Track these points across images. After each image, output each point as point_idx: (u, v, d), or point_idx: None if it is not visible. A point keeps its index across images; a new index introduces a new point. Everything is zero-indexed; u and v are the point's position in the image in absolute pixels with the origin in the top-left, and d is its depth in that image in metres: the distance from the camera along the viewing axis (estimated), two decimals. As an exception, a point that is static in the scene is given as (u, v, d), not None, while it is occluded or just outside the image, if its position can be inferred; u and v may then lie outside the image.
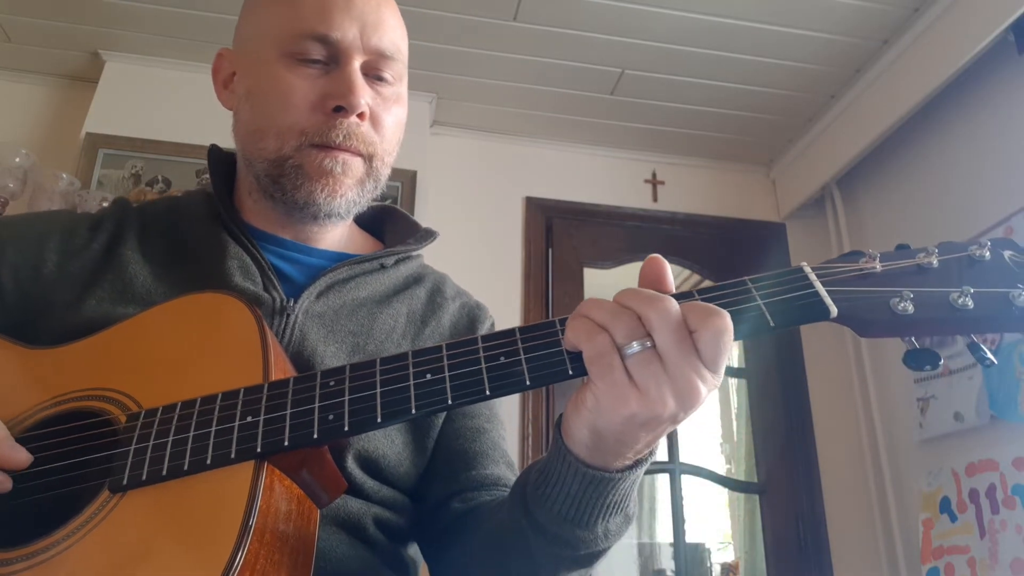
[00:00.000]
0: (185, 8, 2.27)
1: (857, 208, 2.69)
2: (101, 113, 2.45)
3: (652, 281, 0.55)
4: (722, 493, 3.54)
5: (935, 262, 0.56)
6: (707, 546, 2.89)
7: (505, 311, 2.53)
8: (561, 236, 2.76)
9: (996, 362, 0.54)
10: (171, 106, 2.49)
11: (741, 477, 3.17)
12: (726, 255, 2.85)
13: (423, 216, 2.41)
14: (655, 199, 2.87)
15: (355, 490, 0.69)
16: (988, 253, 0.56)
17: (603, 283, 2.81)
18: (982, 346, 0.55)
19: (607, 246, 2.79)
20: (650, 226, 2.84)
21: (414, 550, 0.79)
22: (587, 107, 2.69)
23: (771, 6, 2.20)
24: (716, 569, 3.18)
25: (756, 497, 2.76)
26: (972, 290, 0.53)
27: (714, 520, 3.71)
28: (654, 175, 2.91)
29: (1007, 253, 0.56)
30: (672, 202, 2.87)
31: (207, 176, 0.84)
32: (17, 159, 2.25)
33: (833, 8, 2.19)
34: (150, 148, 2.41)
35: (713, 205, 2.90)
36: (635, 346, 0.49)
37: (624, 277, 2.85)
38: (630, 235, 2.82)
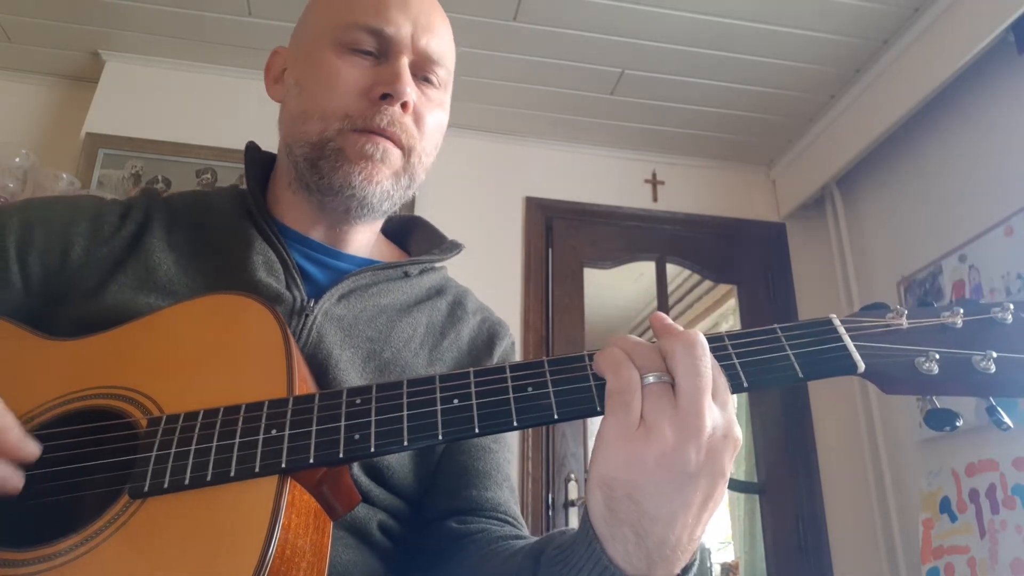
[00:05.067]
0: (185, 8, 2.27)
1: (857, 208, 2.69)
2: (101, 113, 2.45)
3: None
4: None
5: (959, 322, 0.56)
6: (707, 546, 2.89)
7: (505, 311, 2.50)
8: (561, 236, 2.76)
9: (1012, 426, 0.54)
10: (171, 106, 2.50)
11: (741, 477, 3.17)
12: (726, 255, 2.85)
13: (423, 216, 2.41)
14: (655, 199, 2.87)
15: (362, 496, 0.68)
16: (1011, 317, 0.56)
17: (603, 283, 2.81)
18: (999, 410, 0.55)
19: (607, 246, 2.79)
20: (650, 226, 2.84)
21: None
22: (587, 107, 2.69)
23: (771, 6, 2.20)
24: (716, 569, 3.18)
25: (756, 497, 2.75)
26: (995, 354, 0.54)
27: (714, 520, 3.71)
28: (654, 175, 2.91)
29: None
30: (672, 202, 2.87)
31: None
32: (17, 159, 2.25)
33: (833, 8, 2.19)
34: (150, 148, 2.41)
35: (713, 205, 2.90)
36: (650, 378, 0.49)
37: (624, 277, 2.86)
38: (630, 235, 2.82)
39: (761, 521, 2.67)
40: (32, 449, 0.55)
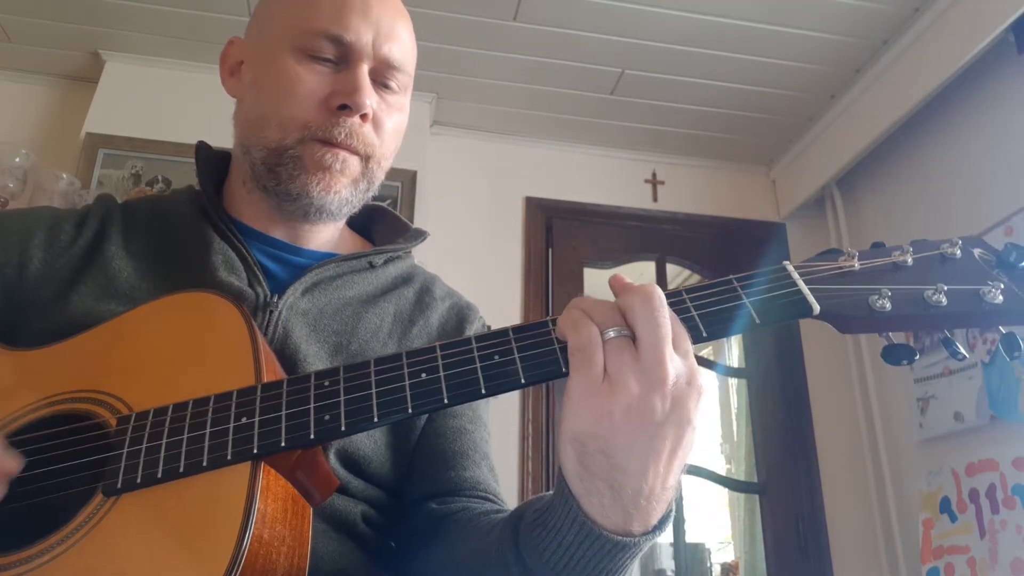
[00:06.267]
0: (185, 8, 2.27)
1: (857, 208, 2.69)
2: (101, 113, 2.45)
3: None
4: (722, 493, 3.55)
5: (910, 260, 0.58)
6: (707, 546, 2.89)
7: (505, 311, 2.53)
8: (561, 236, 2.75)
9: (968, 356, 0.57)
10: (171, 106, 2.49)
11: (741, 477, 3.17)
12: (726, 255, 2.85)
13: (423, 216, 2.41)
14: (655, 199, 2.87)
15: (340, 488, 0.69)
16: (959, 252, 0.58)
17: (603, 283, 2.80)
18: (955, 342, 0.57)
19: (607, 246, 2.79)
20: (650, 226, 2.84)
21: None
22: (587, 107, 2.69)
23: (771, 6, 2.20)
24: (716, 569, 3.19)
25: (756, 497, 2.75)
26: (946, 287, 0.55)
27: (714, 520, 3.71)
28: (654, 175, 2.91)
29: (976, 251, 0.58)
30: (672, 202, 2.87)
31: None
32: (17, 159, 2.25)
33: (833, 8, 2.19)
34: (150, 148, 2.41)
35: (713, 205, 2.90)
36: (611, 333, 0.50)
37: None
38: (630, 235, 2.82)
39: (761, 521, 2.67)
40: (13, 464, 0.55)
